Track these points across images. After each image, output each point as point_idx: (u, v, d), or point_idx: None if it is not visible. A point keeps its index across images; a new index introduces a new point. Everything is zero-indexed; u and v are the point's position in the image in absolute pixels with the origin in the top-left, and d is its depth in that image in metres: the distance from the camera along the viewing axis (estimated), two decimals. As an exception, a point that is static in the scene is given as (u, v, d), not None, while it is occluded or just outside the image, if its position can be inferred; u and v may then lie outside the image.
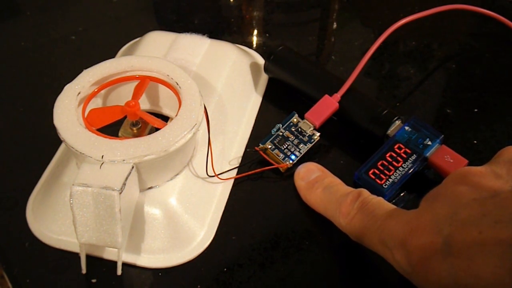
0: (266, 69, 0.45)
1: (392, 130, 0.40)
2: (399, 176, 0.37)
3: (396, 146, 0.38)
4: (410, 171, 0.37)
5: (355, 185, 0.37)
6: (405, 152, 0.38)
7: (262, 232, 0.36)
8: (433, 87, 0.47)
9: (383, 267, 0.35)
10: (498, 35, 0.48)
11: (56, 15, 0.53)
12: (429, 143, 0.38)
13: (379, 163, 0.38)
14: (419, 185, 0.38)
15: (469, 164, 0.40)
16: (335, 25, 0.54)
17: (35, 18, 0.53)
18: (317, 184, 0.36)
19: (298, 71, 0.44)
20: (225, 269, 0.34)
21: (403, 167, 0.37)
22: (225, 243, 0.35)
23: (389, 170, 0.37)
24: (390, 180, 0.37)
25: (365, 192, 0.34)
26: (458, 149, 0.41)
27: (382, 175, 0.37)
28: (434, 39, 0.51)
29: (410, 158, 0.38)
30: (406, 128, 0.39)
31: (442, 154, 0.38)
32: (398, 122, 0.40)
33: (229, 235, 0.36)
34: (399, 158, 0.38)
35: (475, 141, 0.42)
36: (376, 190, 0.37)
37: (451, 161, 0.37)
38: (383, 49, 0.50)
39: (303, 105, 0.41)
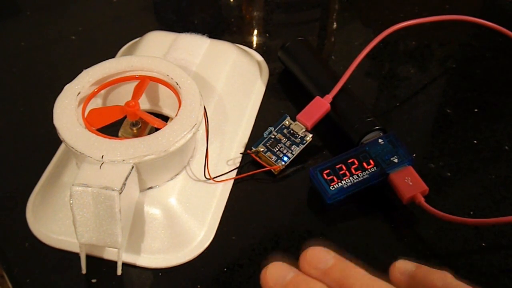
0: (279, 57, 0.47)
1: (368, 139, 0.39)
2: (350, 183, 0.36)
3: (362, 155, 0.37)
4: (364, 182, 0.36)
5: (310, 181, 0.37)
6: (367, 163, 0.37)
7: (262, 232, 0.36)
8: (433, 87, 0.47)
9: (382, 267, 0.35)
10: (498, 35, 0.48)
11: (56, 15, 0.53)
12: (396, 160, 0.37)
13: (337, 166, 0.37)
14: (373, 201, 0.38)
15: (469, 164, 0.40)
16: (335, 25, 0.54)
17: (35, 18, 0.53)
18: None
19: (302, 66, 0.44)
20: (225, 269, 0.34)
21: (358, 176, 0.37)
22: (225, 243, 0.35)
23: (344, 175, 0.37)
24: (340, 184, 0.36)
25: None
26: (458, 149, 0.41)
27: (335, 178, 0.36)
28: (434, 39, 0.51)
29: (370, 169, 0.37)
30: (380, 141, 0.38)
31: (404, 175, 0.36)
32: (377, 133, 0.39)
33: (229, 235, 0.36)
34: (358, 166, 0.37)
35: (475, 141, 0.42)
36: (322, 190, 0.36)
37: (410, 183, 0.36)
38: (383, 49, 0.50)
39: (302, 106, 0.41)
